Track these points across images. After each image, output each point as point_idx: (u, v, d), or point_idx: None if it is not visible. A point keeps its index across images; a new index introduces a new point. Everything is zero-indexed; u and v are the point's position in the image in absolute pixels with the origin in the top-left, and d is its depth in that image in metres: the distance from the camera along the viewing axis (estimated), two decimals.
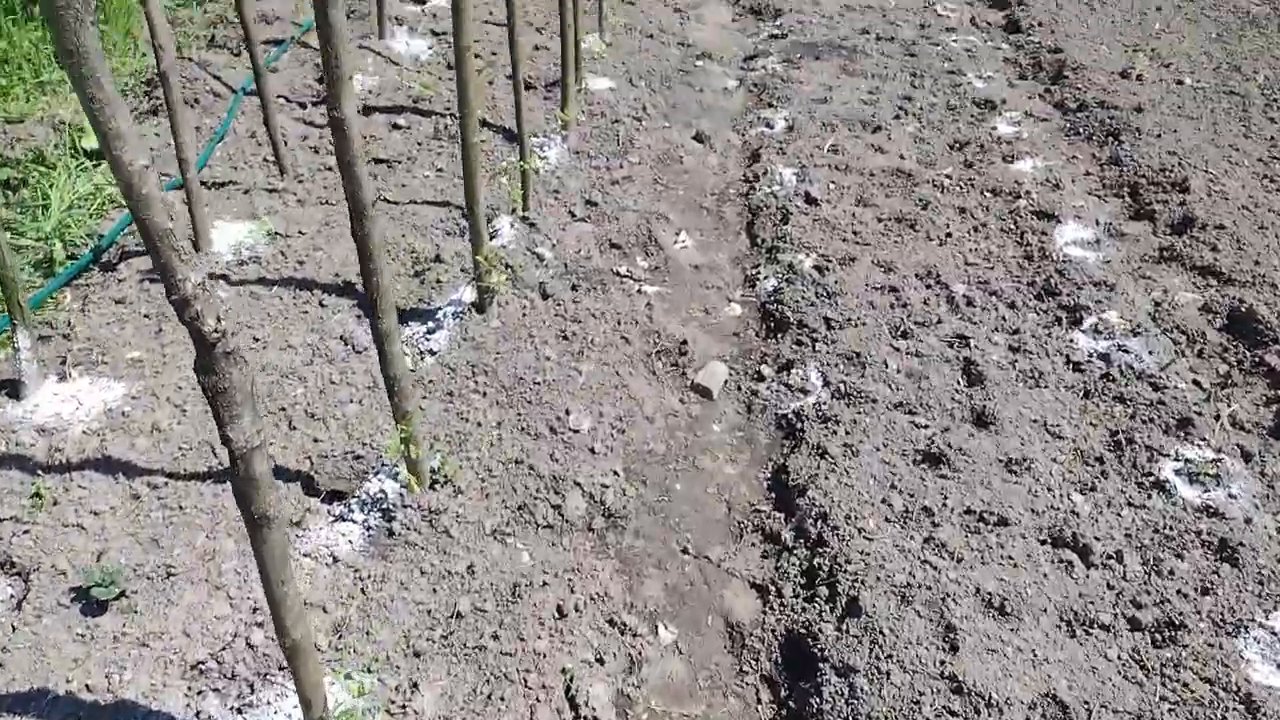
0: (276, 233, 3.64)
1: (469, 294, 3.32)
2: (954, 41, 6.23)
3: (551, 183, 4.24)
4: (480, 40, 5.59)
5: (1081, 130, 5.13)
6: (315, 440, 2.73)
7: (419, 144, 4.42)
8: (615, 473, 2.80)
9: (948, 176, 4.56)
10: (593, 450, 2.85)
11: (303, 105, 4.78)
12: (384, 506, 2.52)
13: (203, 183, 4.08)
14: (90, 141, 4.12)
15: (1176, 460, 2.94)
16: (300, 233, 3.67)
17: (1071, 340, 3.47)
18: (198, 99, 4.67)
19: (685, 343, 3.40)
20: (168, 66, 3.08)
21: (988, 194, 4.44)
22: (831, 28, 6.34)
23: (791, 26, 6.29)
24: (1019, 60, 6.12)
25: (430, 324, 3.27)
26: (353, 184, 2.02)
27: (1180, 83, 5.65)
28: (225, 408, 1.43)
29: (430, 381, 3.00)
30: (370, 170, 4.18)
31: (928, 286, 3.78)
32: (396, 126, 4.54)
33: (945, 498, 2.73)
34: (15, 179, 4.02)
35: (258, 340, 3.09)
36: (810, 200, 4.27)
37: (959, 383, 3.25)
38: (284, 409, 2.83)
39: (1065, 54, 6.01)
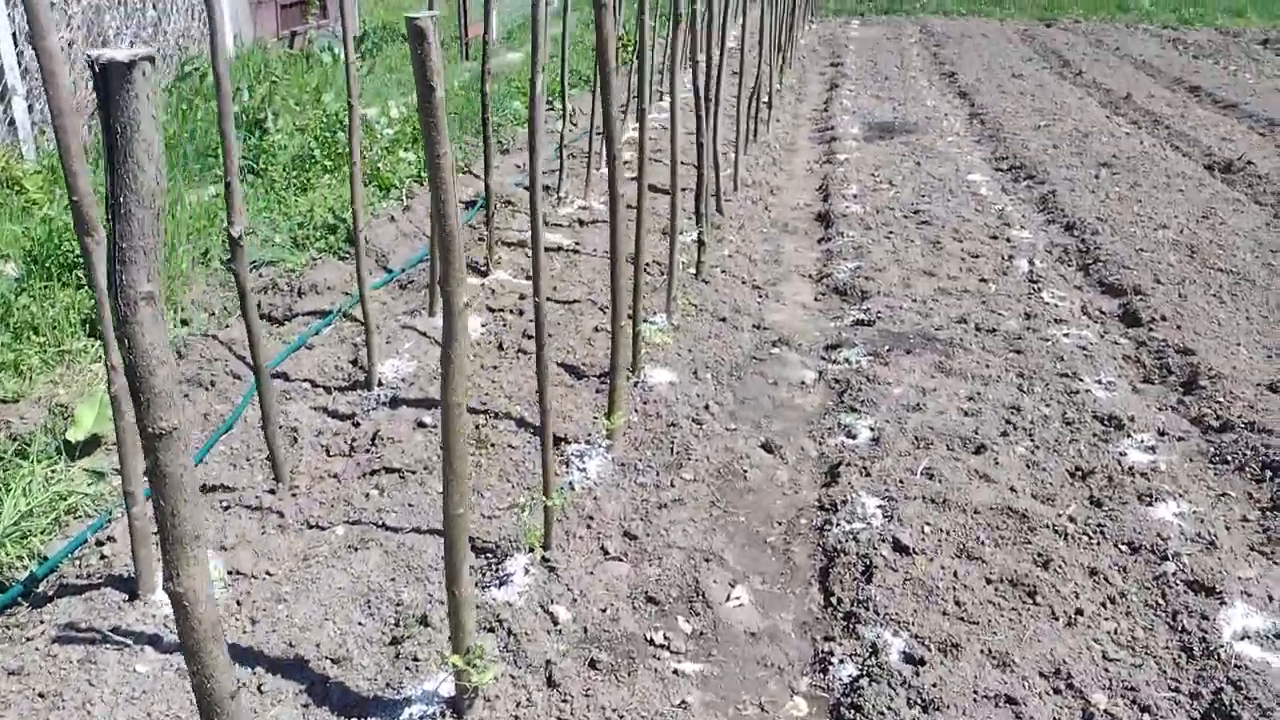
0: (239, 572, 3.01)
1: (448, 686, 2.58)
2: (1065, 336, 5.56)
3: (586, 505, 3.57)
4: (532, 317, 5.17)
5: (1230, 459, 4.28)
6: None
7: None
8: None
9: (1071, 520, 3.74)
10: None
11: (328, 391, 4.33)
12: None
13: None
14: (76, 433, 3.68)
15: None
16: (268, 573, 3.04)
17: None
18: (213, 381, 4.27)
19: None
20: (118, 390, 2.59)
21: (1123, 548, 3.58)
22: (924, 315, 5.77)
23: (880, 312, 5.74)
24: (1142, 360, 5.39)
25: None
26: (200, 673, 1.35)
27: None
28: None
29: None
30: (377, 483, 3.60)
31: (1056, 692, 2.88)
32: (422, 425, 4.01)
33: None
34: None
35: None
36: (900, 549, 3.48)
37: None
38: None
39: (1198, 357, 5.25)
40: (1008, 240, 7.31)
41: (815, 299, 6.22)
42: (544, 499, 3.12)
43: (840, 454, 4.23)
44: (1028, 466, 4.15)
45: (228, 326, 4.90)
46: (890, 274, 6.43)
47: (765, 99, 10.96)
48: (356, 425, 3.99)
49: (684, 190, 7.92)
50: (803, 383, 5.00)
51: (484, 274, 5.74)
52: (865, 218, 7.67)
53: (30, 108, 7.00)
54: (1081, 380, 4.98)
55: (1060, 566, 3.44)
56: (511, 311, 5.30)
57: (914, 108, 12.58)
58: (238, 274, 3.20)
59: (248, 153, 6.84)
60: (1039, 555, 3.50)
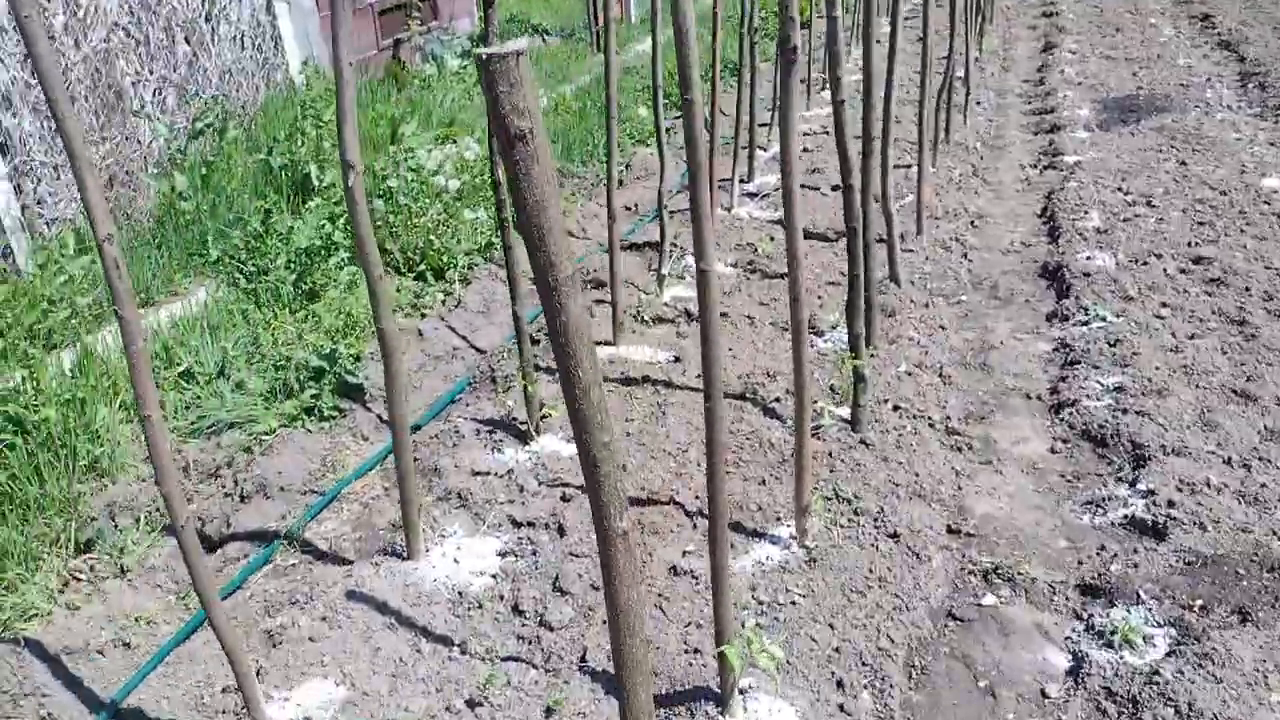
0: None
1: None
2: None
3: None
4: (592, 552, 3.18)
5: None
6: None
7: None
8: None
9: None
10: None
11: None
12: None
13: None
14: None
15: None
16: None
17: None
18: None
19: None
20: None
21: None
22: (1255, 502, 3.34)
23: (1171, 499, 3.35)
24: None
25: None
26: None
27: None
28: None
29: None
30: None
31: None
32: None
33: None
34: None
35: None
36: None
37: None
38: None
39: None
40: None
41: (1051, 450, 3.88)
42: None
43: None
44: None
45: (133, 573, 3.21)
46: (1177, 400, 3.97)
47: (960, 74, 8.40)
48: None
49: (831, 240, 5.69)
50: (1043, 692, 2.76)
51: (524, 439, 3.80)
52: (1119, 275, 5.15)
53: (18, 189, 5.67)
54: None
55: None
56: (549, 526, 3.34)
57: (1162, 70, 9.55)
58: None
59: (251, 242, 5.18)
60: None
